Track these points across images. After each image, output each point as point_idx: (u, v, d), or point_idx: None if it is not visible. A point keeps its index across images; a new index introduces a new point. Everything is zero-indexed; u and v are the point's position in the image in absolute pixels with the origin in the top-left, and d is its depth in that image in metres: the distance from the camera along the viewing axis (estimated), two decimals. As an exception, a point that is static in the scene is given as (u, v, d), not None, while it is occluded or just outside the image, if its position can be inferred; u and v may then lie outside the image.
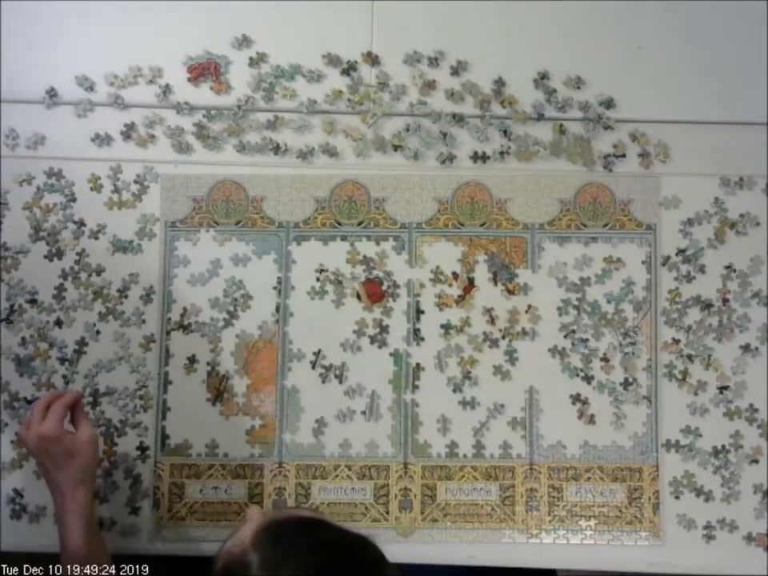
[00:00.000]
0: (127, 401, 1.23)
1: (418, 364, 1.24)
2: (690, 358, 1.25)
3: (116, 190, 1.26)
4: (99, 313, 1.24)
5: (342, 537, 0.86)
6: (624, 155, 1.27)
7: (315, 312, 1.25)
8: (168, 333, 1.24)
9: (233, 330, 1.24)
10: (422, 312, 1.25)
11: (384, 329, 1.24)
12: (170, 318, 1.24)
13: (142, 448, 1.23)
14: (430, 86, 1.28)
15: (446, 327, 1.24)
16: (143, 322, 1.24)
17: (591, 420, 1.24)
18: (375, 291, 1.25)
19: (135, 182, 1.26)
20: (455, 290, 1.25)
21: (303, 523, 0.89)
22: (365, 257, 1.25)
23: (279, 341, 1.24)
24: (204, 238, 1.25)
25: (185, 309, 1.24)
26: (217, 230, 1.26)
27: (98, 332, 1.24)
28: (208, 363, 1.24)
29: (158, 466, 1.23)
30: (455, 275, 1.25)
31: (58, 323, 1.24)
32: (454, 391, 1.24)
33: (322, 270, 1.25)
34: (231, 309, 1.24)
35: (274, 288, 1.25)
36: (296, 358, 1.24)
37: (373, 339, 1.24)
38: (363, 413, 1.23)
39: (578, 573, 1.26)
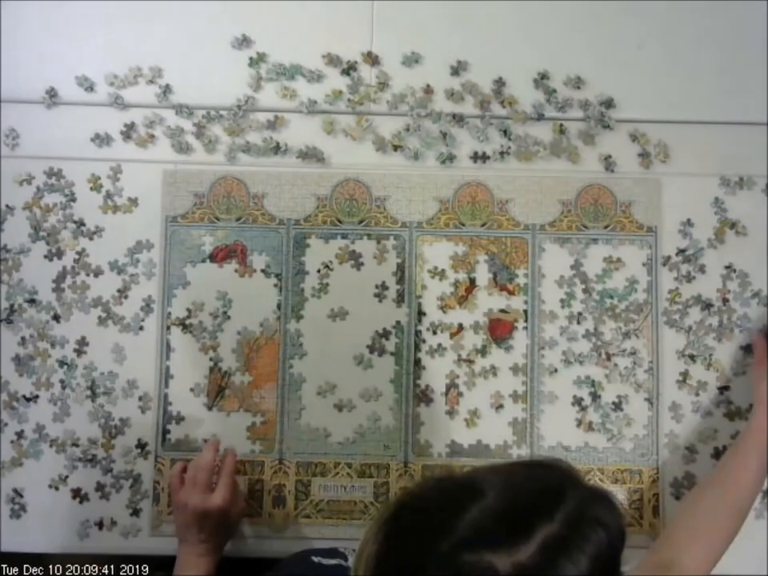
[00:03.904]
0: (127, 397, 1.23)
1: (419, 363, 1.24)
2: (691, 357, 1.24)
3: (110, 196, 1.26)
4: (99, 312, 1.24)
5: None
6: (624, 156, 1.27)
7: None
8: (168, 328, 1.24)
9: (234, 326, 1.24)
10: (424, 314, 1.25)
11: (386, 331, 1.25)
12: (170, 314, 1.24)
13: (142, 445, 1.23)
14: (429, 86, 1.28)
15: (447, 328, 1.25)
16: (144, 318, 1.24)
17: (591, 421, 1.23)
18: (505, 327, 1.26)
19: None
20: (457, 290, 1.25)
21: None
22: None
23: (280, 337, 1.25)
24: (205, 233, 1.26)
25: (186, 305, 1.24)
26: (217, 226, 1.26)
27: (97, 330, 1.24)
28: (210, 359, 1.24)
29: (158, 461, 1.23)
30: (455, 275, 1.25)
31: (58, 323, 1.24)
32: (455, 390, 1.24)
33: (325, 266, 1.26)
34: (232, 305, 1.25)
35: (275, 285, 1.25)
36: (297, 355, 1.24)
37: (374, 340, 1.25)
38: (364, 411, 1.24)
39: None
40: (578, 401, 1.23)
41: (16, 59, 1.27)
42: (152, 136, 1.27)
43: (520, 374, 1.24)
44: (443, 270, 1.25)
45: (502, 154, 1.27)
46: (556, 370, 1.24)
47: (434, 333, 1.24)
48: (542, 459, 0.91)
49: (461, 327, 1.24)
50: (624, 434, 1.24)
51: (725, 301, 1.25)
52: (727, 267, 1.26)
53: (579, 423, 1.23)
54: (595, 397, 1.24)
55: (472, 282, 1.25)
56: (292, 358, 1.24)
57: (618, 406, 1.24)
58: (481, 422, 1.24)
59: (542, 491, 0.72)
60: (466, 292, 1.25)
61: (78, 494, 1.22)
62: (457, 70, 1.28)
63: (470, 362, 1.24)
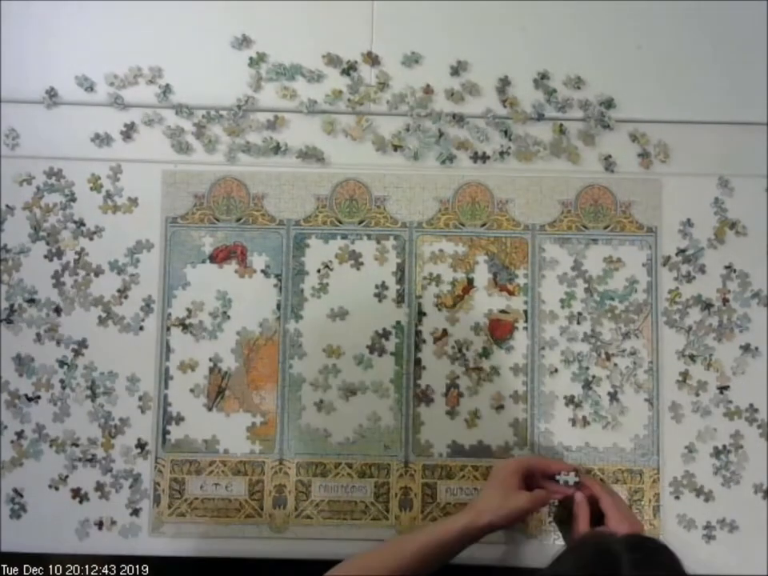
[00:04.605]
0: (127, 397, 1.23)
1: (419, 363, 1.24)
2: (691, 357, 1.24)
3: (110, 196, 1.26)
4: (99, 312, 1.24)
5: None
6: (624, 156, 1.27)
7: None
8: (168, 329, 1.24)
9: (234, 326, 1.24)
10: (424, 314, 1.25)
11: (386, 331, 1.25)
12: (170, 314, 1.24)
13: (141, 445, 1.23)
14: (429, 86, 1.28)
15: (446, 328, 1.25)
16: (144, 318, 1.24)
17: (592, 421, 1.23)
18: (505, 328, 1.26)
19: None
20: (454, 290, 1.25)
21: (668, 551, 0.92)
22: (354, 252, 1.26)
23: (280, 338, 1.25)
24: (205, 234, 1.26)
25: (186, 305, 1.24)
26: (217, 227, 1.26)
27: (97, 330, 1.24)
28: (210, 360, 1.24)
29: (158, 461, 1.23)
30: (454, 275, 1.25)
31: (58, 322, 1.24)
32: (456, 391, 1.24)
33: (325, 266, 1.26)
34: (232, 306, 1.25)
35: (275, 286, 1.25)
36: (297, 356, 1.24)
37: (374, 340, 1.25)
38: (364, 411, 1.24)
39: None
40: (578, 401, 1.23)
41: (16, 59, 1.27)
42: (152, 136, 1.27)
43: (520, 374, 1.24)
44: (441, 271, 1.25)
45: (501, 154, 1.27)
46: (556, 370, 1.24)
47: (434, 333, 1.24)
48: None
49: (459, 328, 1.24)
50: (620, 420, 1.23)
51: (725, 301, 1.25)
52: (727, 267, 1.26)
53: (580, 421, 1.23)
54: (595, 397, 1.23)
55: (470, 282, 1.25)
56: (292, 358, 1.24)
57: (613, 396, 1.24)
58: (481, 423, 1.24)
59: None
60: (463, 292, 1.25)
61: (77, 494, 1.22)
62: (457, 70, 1.28)
63: (471, 362, 1.24)
